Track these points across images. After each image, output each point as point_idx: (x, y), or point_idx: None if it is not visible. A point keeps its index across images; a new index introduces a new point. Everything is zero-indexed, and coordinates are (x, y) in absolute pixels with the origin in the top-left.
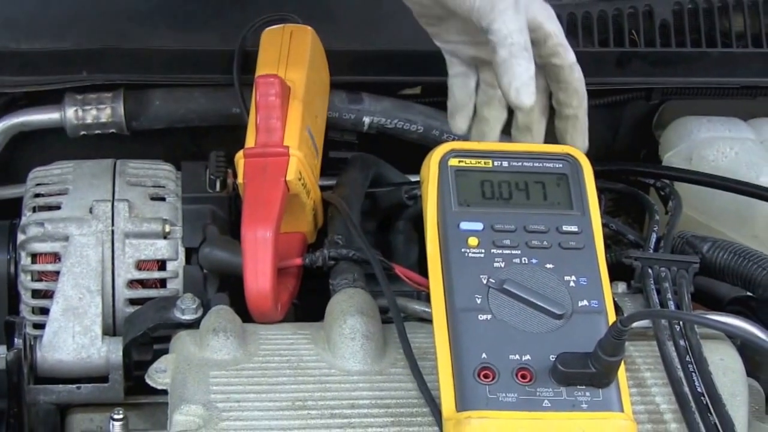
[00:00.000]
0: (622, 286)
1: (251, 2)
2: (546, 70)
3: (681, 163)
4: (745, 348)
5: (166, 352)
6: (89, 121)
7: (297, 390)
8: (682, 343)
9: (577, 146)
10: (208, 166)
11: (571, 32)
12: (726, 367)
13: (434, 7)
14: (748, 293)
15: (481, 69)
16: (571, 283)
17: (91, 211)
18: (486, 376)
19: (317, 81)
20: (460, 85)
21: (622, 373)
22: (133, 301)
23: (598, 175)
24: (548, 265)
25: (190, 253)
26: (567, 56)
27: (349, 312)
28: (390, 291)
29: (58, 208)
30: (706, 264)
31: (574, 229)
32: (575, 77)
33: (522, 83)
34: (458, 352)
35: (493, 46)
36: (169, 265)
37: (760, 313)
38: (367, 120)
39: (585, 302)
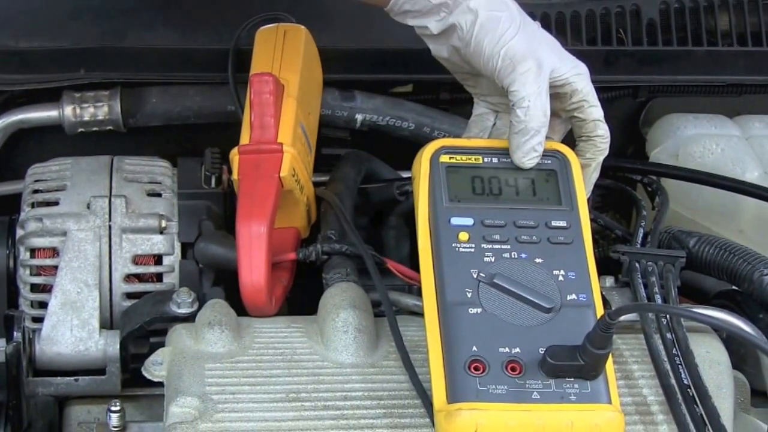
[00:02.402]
0: (609, 280)
1: (246, 2)
2: (571, 120)
3: (667, 159)
4: (731, 341)
5: (162, 345)
6: (87, 118)
7: (291, 382)
8: (668, 336)
9: None
10: (203, 163)
11: (559, 31)
12: (712, 360)
13: (465, 66)
14: (734, 287)
15: (501, 114)
16: (560, 277)
17: (88, 207)
18: (476, 369)
19: (310, 79)
20: (479, 123)
21: (609, 365)
22: (130, 295)
23: None
24: (537, 260)
25: (186, 248)
26: (591, 113)
27: (341, 306)
28: (382, 285)
29: (56, 203)
30: (692, 258)
31: (562, 224)
32: (597, 133)
33: (530, 149)
34: (449, 344)
35: (512, 105)
36: (166, 260)
37: (745, 306)
38: (359, 117)
39: (573, 296)
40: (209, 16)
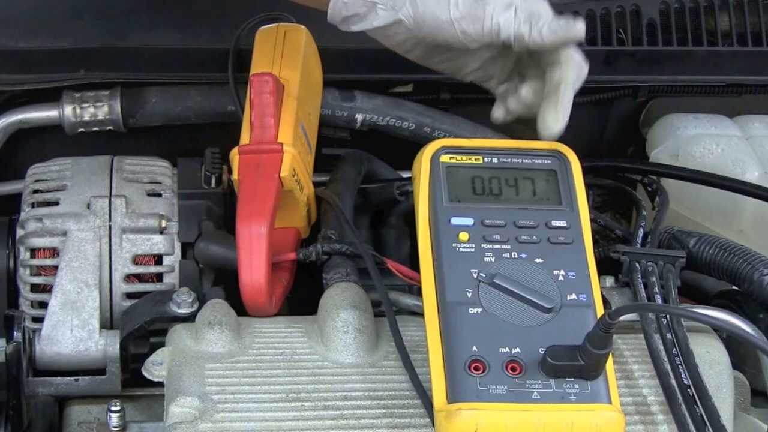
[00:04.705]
0: (610, 280)
1: (246, 2)
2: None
3: (668, 159)
4: (731, 341)
5: (162, 345)
6: (87, 118)
7: (291, 382)
8: (669, 336)
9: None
10: (203, 163)
11: None
12: (712, 360)
13: (436, 53)
14: (734, 287)
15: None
16: (560, 277)
17: (88, 207)
18: (476, 369)
19: (311, 79)
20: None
21: (610, 365)
22: (130, 295)
23: (586, 171)
24: (537, 260)
25: (186, 248)
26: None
27: (342, 306)
28: (382, 285)
29: (56, 203)
30: (692, 258)
31: (562, 224)
32: (561, 59)
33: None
34: (449, 345)
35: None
36: (166, 260)
37: (746, 306)
38: (359, 117)
39: (574, 296)
40: (209, 16)
